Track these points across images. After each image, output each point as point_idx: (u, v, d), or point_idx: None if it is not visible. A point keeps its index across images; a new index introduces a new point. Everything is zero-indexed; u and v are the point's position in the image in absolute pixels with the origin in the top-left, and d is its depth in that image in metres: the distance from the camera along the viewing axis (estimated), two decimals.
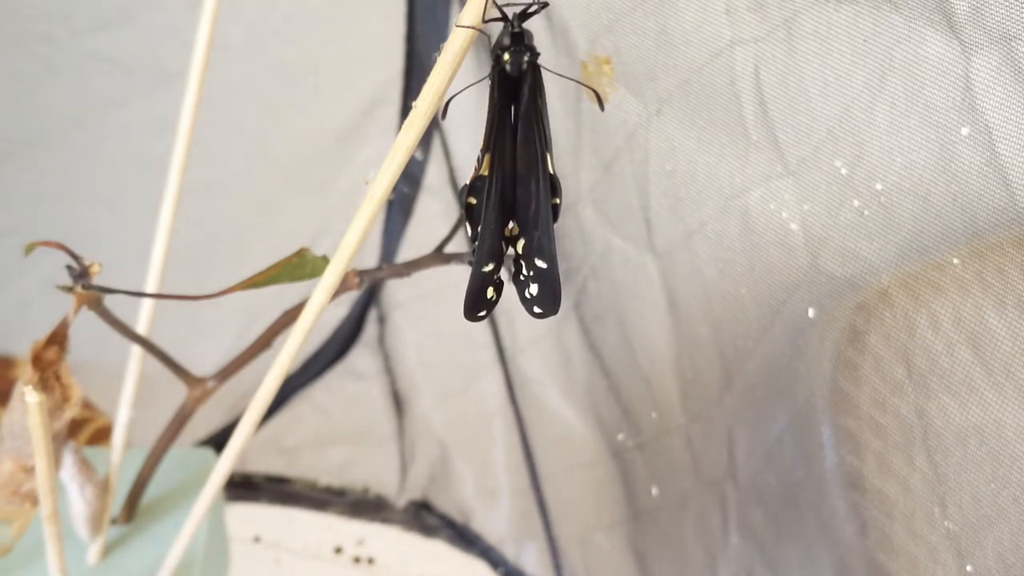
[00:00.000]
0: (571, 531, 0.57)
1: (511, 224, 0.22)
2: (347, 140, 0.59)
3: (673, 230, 0.42)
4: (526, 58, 0.21)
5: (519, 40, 0.20)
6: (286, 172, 0.60)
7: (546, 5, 0.21)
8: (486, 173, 0.22)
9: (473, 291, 0.22)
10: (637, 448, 0.50)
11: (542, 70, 0.21)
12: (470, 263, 0.22)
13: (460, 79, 0.20)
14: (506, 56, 0.20)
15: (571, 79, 0.33)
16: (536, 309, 0.23)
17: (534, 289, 0.22)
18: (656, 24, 0.38)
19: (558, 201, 0.22)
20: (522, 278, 0.23)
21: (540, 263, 0.22)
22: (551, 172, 0.22)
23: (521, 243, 0.22)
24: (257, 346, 0.30)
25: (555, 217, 0.22)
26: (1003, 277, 0.29)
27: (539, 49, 0.21)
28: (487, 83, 0.21)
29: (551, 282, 0.22)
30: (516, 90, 0.21)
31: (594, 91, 0.23)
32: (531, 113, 0.21)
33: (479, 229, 0.22)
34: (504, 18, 0.20)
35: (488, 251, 0.22)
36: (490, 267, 0.22)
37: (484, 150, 0.22)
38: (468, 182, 0.22)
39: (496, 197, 0.22)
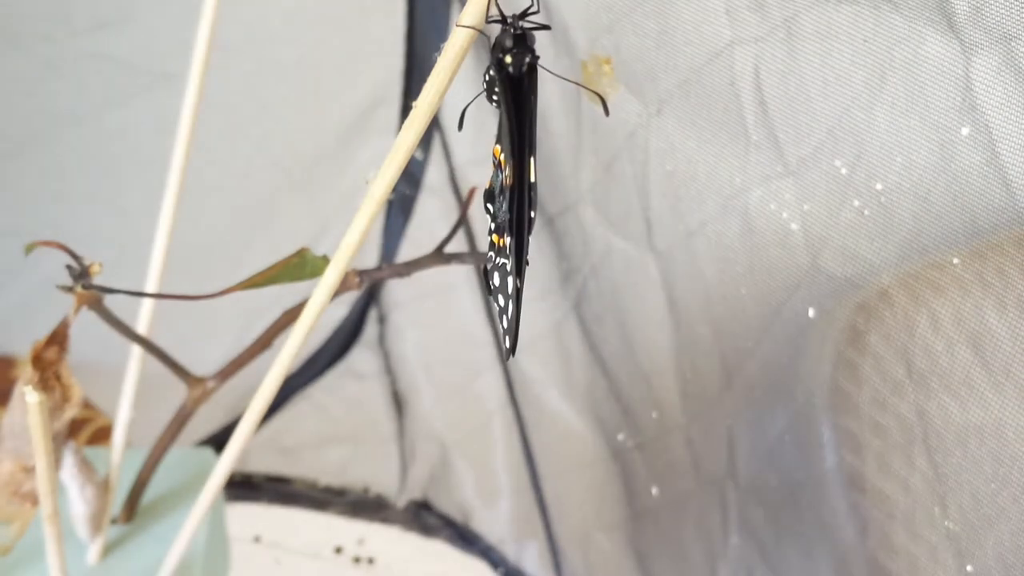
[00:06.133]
0: (571, 531, 0.56)
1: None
2: (347, 140, 0.59)
3: (673, 230, 0.42)
4: (527, 60, 0.20)
5: (520, 42, 0.20)
6: (286, 172, 0.60)
7: (547, 28, 0.20)
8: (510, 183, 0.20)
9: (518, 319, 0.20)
10: (637, 448, 0.50)
11: (539, 72, 0.21)
12: (491, 290, 0.20)
13: (462, 82, 0.20)
14: (507, 58, 0.20)
15: (574, 82, 0.33)
16: (507, 341, 0.20)
17: (510, 312, 0.20)
18: (656, 24, 0.38)
19: (533, 215, 0.20)
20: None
21: (518, 282, 0.20)
22: (532, 180, 0.20)
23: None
24: (257, 346, 0.30)
25: (528, 230, 0.20)
26: (1003, 277, 0.29)
27: (539, 50, 0.21)
28: (482, 83, 0.21)
29: (516, 311, 0.20)
30: (518, 92, 0.21)
31: (598, 95, 0.23)
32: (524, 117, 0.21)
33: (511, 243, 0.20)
34: (503, 20, 0.20)
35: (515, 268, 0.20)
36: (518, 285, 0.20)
37: (509, 158, 0.20)
38: (488, 188, 0.21)
39: (517, 208, 0.20)
